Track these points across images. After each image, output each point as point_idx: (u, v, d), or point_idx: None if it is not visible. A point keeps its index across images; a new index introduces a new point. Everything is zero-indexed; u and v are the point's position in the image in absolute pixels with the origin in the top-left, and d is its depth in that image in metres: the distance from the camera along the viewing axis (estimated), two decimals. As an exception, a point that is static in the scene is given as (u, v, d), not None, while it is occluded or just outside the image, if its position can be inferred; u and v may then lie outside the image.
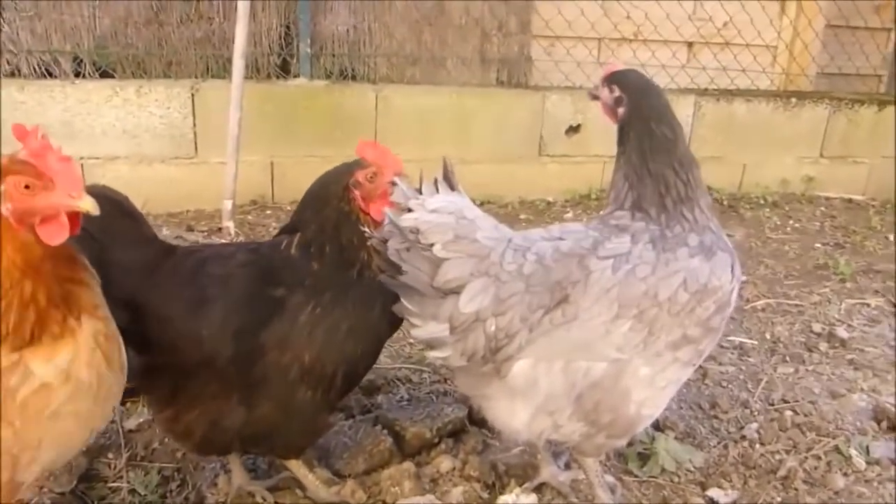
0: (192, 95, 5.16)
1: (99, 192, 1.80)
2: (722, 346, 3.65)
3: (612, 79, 2.30)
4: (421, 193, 2.03)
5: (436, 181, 2.07)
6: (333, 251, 2.18)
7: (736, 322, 3.94)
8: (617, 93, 2.28)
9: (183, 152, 5.20)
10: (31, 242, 1.57)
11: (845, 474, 2.67)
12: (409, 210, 2.01)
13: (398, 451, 2.64)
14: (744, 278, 4.48)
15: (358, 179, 2.21)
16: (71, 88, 4.99)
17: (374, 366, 2.36)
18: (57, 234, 1.60)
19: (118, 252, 2.00)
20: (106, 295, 1.81)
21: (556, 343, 2.08)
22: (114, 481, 2.42)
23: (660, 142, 2.19)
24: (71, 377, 1.61)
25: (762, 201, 6.16)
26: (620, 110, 2.27)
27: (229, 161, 4.78)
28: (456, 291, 2.02)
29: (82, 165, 4.62)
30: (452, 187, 2.09)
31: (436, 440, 2.71)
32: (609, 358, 2.11)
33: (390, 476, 2.44)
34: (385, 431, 2.68)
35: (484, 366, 2.10)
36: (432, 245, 2.00)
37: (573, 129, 5.97)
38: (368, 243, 2.10)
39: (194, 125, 5.20)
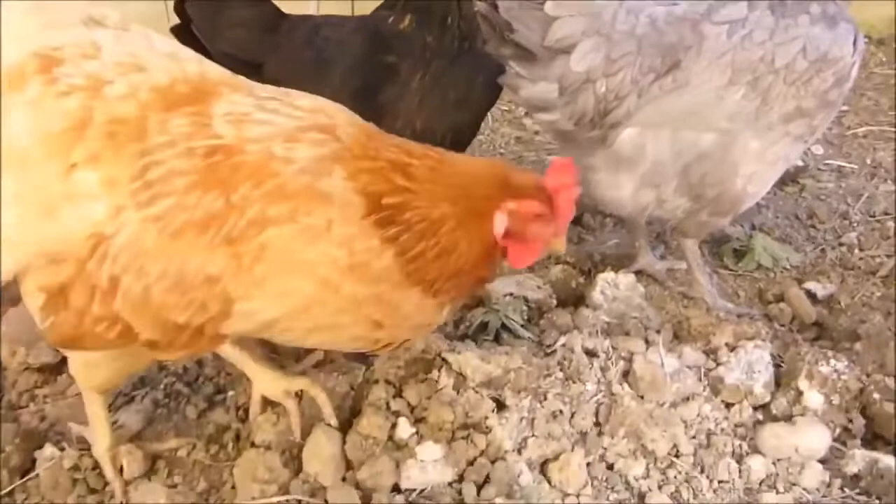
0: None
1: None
2: (819, 168, 3.54)
3: None
4: (534, -49, 1.97)
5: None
6: (453, 23, 2.19)
7: (835, 147, 3.79)
8: None
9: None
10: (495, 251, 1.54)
11: (952, 278, 2.62)
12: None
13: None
14: (844, 107, 4.29)
15: None
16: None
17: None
18: (526, 259, 1.58)
19: (237, 9, 2.03)
20: (224, 55, 1.85)
21: (665, 110, 2.06)
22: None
23: None
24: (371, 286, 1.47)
25: (867, 39, 5.77)
26: None
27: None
28: (567, 51, 2.00)
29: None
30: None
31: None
32: (719, 128, 2.08)
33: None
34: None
35: (591, 131, 2.09)
36: (544, 3, 1.96)
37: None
38: (476, 8, 2.08)
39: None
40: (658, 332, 2.19)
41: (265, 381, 1.82)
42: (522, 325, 2.15)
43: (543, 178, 1.53)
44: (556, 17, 1.96)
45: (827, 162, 3.63)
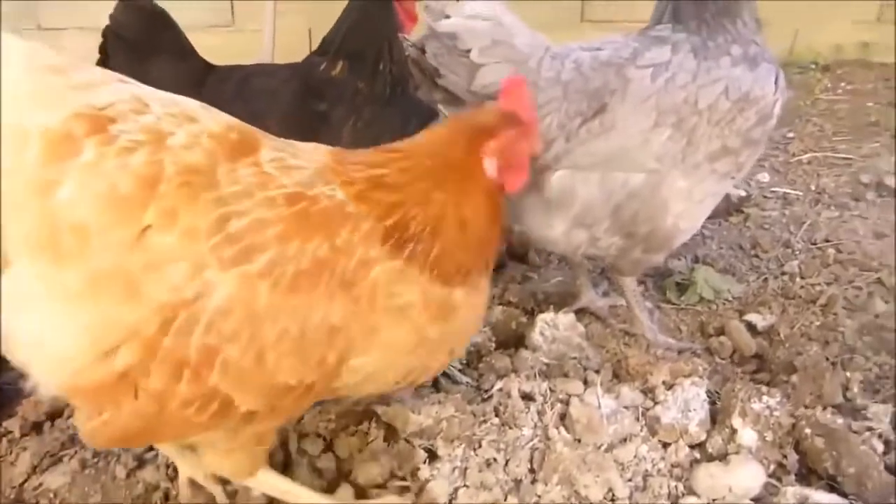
0: (226, -38, 5.07)
1: (143, 4, 1.81)
2: (765, 196, 3.60)
3: None
4: (458, -1, 2.00)
5: (473, -18, 2.03)
6: (384, 69, 2.22)
7: (780, 174, 3.86)
8: None
9: (220, 20, 5.15)
10: (496, 194, 1.55)
11: (886, 301, 2.66)
12: (447, 16, 1.99)
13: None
14: (790, 134, 4.38)
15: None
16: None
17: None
18: (521, 181, 1.59)
19: (162, 65, 2.03)
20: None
21: (594, 153, 2.08)
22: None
23: None
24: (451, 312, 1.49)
25: (813, 66, 5.91)
26: None
27: (267, 29, 4.73)
28: (493, 97, 2.01)
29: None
30: (490, -8, 2.05)
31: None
32: (647, 168, 2.10)
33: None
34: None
35: (521, 175, 2.10)
36: (469, 50, 1.98)
37: (615, -8, 5.74)
38: (406, 52, 2.10)
39: (230, -6, 5.14)
40: (597, 371, 2.20)
41: (190, 465, 1.74)
42: (460, 370, 2.15)
43: (500, 105, 1.58)
44: (482, 65, 1.99)
45: (773, 189, 3.70)
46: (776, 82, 2.16)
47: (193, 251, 1.24)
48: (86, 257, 1.21)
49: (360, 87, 2.21)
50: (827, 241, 3.12)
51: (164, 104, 1.34)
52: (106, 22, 2.09)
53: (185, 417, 1.29)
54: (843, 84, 5.49)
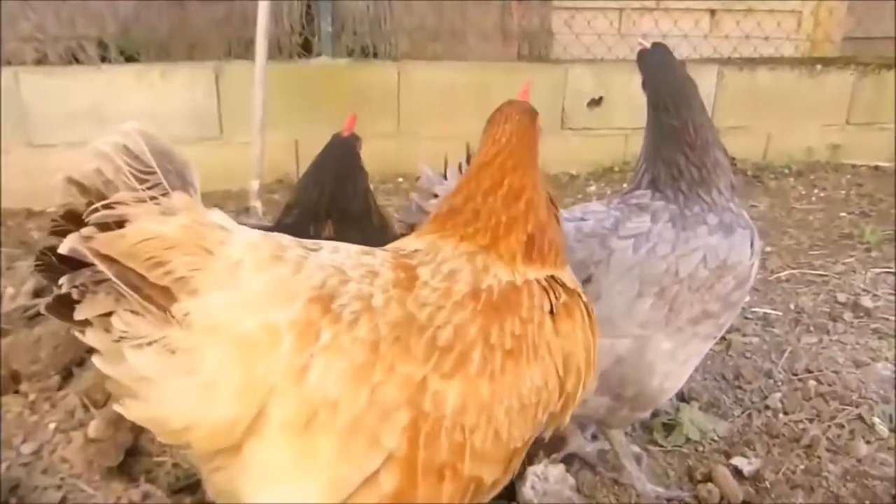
0: (216, 77, 5.23)
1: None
2: (746, 318, 3.68)
3: (638, 59, 2.34)
4: (446, 179, 2.08)
5: (460, 166, 2.13)
6: (374, 219, 2.32)
7: (760, 293, 3.96)
8: (641, 74, 2.32)
9: (208, 133, 5.28)
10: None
11: (868, 442, 2.71)
12: (435, 196, 2.07)
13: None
14: (768, 249, 4.50)
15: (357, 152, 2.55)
16: (97, 74, 5.08)
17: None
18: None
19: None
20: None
21: (580, 320, 2.14)
22: (158, 456, 2.52)
23: (667, 130, 2.24)
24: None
25: (787, 171, 6.12)
26: (646, 90, 2.31)
27: (255, 141, 4.84)
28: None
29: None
30: (477, 171, 2.14)
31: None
32: (632, 334, 2.17)
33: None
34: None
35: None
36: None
37: (595, 102, 5.96)
38: (397, 229, 2.18)
39: (219, 106, 5.28)
40: (588, 527, 2.22)
41: None
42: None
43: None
44: (470, 240, 2.06)
45: (753, 310, 3.78)
46: (752, 246, 2.25)
47: (412, 382, 1.41)
48: (336, 426, 1.36)
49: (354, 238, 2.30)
50: (808, 371, 3.19)
51: (353, 267, 1.50)
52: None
53: None
54: (816, 191, 5.68)
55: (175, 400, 1.33)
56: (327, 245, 1.56)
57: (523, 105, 1.79)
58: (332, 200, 2.45)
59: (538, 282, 1.63)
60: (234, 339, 1.33)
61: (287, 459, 1.36)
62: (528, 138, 1.73)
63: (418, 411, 1.39)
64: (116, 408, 1.39)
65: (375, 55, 5.74)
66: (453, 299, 1.50)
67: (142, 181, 1.37)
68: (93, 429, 2.44)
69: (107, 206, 1.33)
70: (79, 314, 1.33)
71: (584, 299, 1.72)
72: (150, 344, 1.31)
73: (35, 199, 4.88)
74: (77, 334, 1.38)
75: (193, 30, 5.34)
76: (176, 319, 1.31)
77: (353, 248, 1.58)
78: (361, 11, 5.65)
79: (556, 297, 1.63)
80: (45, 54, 5.06)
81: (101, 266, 1.28)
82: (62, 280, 1.33)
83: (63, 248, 1.30)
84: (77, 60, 5.11)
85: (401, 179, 5.46)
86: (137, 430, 2.58)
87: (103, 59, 5.17)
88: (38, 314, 3.32)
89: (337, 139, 2.66)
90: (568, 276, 1.74)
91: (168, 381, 1.32)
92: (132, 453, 2.51)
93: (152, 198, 1.36)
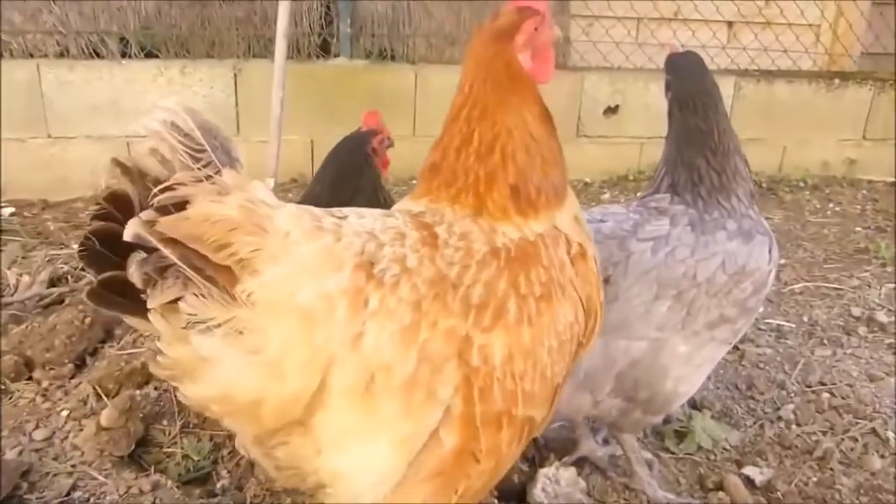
0: (235, 75, 5.25)
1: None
2: (759, 329, 3.66)
3: (667, 62, 2.34)
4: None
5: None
6: None
7: (774, 305, 3.94)
8: (667, 77, 2.32)
9: (226, 131, 5.27)
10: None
11: (882, 456, 2.69)
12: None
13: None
14: (782, 261, 4.47)
15: (375, 147, 2.62)
16: (118, 69, 5.11)
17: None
18: (550, 70, 1.72)
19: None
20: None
21: (597, 322, 2.13)
22: (168, 447, 2.53)
23: (692, 132, 2.24)
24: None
25: (802, 184, 6.09)
26: (668, 94, 2.30)
27: (272, 140, 4.85)
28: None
29: (128, 144, 4.73)
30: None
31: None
32: (648, 337, 2.16)
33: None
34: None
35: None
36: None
37: (611, 110, 5.95)
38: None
39: (236, 104, 5.30)
40: (598, 531, 2.21)
41: None
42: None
43: (512, 4, 1.68)
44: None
45: (766, 321, 3.76)
46: (770, 252, 2.24)
47: (457, 335, 1.45)
48: (393, 386, 1.40)
49: None
50: (821, 383, 3.17)
51: (382, 230, 1.52)
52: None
53: (513, 453, 1.57)
54: (831, 205, 5.65)
55: (243, 378, 1.34)
56: (350, 211, 1.57)
57: (495, 26, 1.66)
58: (335, 194, 2.46)
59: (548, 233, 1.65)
60: (295, 313, 1.35)
61: (353, 424, 1.41)
62: (496, 72, 1.63)
63: (469, 368, 1.44)
64: (178, 391, 1.41)
65: (393, 57, 5.75)
66: (475, 258, 1.53)
67: (196, 160, 1.36)
68: (105, 417, 2.45)
69: (166, 189, 1.31)
70: (152, 302, 1.31)
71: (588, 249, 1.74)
72: (218, 326, 1.31)
73: (52, 191, 4.91)
74: (129, 320, 1.40)
75: (214, 28, 5.37)
76: (240, 300, 1.32)
77: (375, 212, 1.60)
78: (380, 14, 5.67)
79: (568, 244, 1.67)
80: (66, 48, 5.10)
81: (166, 251, 1.27)
82: (132, 270, 1.31)
83: (127, 235, 1.28)
84: (98, 55, 5.15)
85: (415, 181, 5.46)
86: (149, 421, 2.59)
87: (124, 55, 5.20)
88: (53, 303, 3.35)
89: (350, 135, 2.67)
90: (567, 220, 1.72)
91: (236, 360, 1.33)
92: (143, 443, 2.52)
93: (207, 177, 1.35)
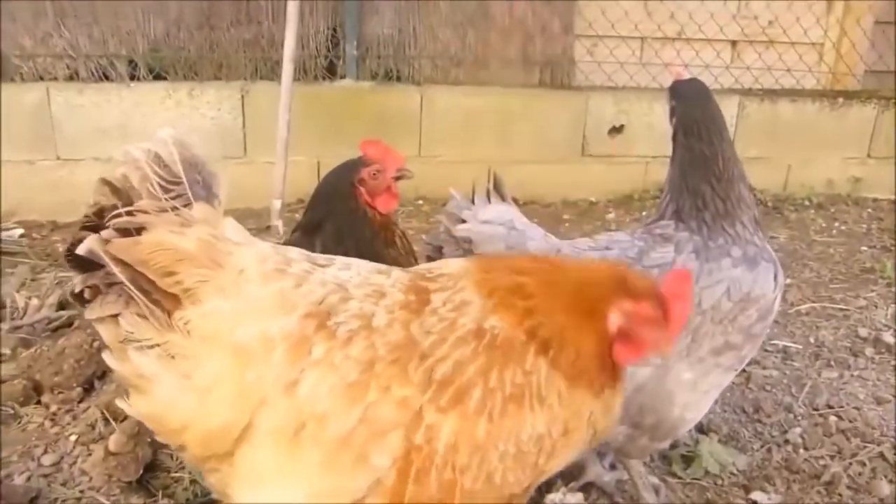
0: (242, 97, 5.30)
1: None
2: (766, 350, 3.66)
3: (671, 88, 2.36)
4: (473, 204, 2.11)
5: (487, 192, 2.15)
6: (350, 247, 2.22)
7: (780, 326, 3.94)
8: (672, 102, 2.34)
9: (232, 152, 5.33)
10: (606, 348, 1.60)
11: (890, 481, 2.68)
12: (463, 221, 2.09)
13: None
14: (788, 281, 4.46)
15: (363, 177, 2.38)
16: (126, 91, 5.16)
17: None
18: (630, 358, 1.59)
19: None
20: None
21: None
22: (176, 471, 2.54)
23: (697, 158, 2.25)
24: None
25: (807, 203, 6.10)
26: (673, 120, 2.32)
27: (278, 162, 4.89)
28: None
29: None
30: (503, 198, 2.16)
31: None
32: (653, 363, 2.16)
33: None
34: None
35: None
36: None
37: (616, 130, 5.98)
38: (418, 250, 2.19)
39: (243, 126, 5.35)
40: (605, 559, 2.20)
41: None
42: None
43: (661, 284, 1.59)
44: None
45: (773, 342, 3.76)
46: (775, 279, 2.25)
47: (409, 409, 1.40)
48: (323, 439, 1.38)
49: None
50: (829, 406, 3.16)
51: (359, 285, 1.50)
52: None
53: None
54: (836, 224, 5.65)
55: (173, 401, 1.39)
56: (340, 261, 1.58)
57: (629, 280, 1.59)
58: (327, 218, 2.41)
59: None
60: (229, 348, 1.38)
61: (274, 465, 1.40)
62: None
63: (411, 444, 1.40)
64: (119, 402, 1.46)
65: (399, 79, 5.79)
66: (457, 333, 1.47)
67: (167, 190, 1.42)
68: (113, 442, 2.46)
69: (129, 213, 1.39)
70: (89, 313, 1.40)
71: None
72: (152, 347, 1.37)
73: (61, 213, 4.94)
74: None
75: (221, 50, 5.42)
76: (177, 326, 1.37)
77: (367, 266, 1.60)
78: (386, 36, 5.72)
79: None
80: (76, 71, 5.15)
81: (114, 269, 1.34)
82: (76, 280, 1.40)
83: (81, 249, 1.36)
84: (107, 78, 5.20)
85: (420, 202, 5.50)
86: (157, 446, 2.60)
87: (133, 77, 5.26)
88: (62, 326, 3.37)
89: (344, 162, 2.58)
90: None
91: (167, 383, 1.38)
92: (151, 468, 2.53)
93: (174, 208, 1.42)
